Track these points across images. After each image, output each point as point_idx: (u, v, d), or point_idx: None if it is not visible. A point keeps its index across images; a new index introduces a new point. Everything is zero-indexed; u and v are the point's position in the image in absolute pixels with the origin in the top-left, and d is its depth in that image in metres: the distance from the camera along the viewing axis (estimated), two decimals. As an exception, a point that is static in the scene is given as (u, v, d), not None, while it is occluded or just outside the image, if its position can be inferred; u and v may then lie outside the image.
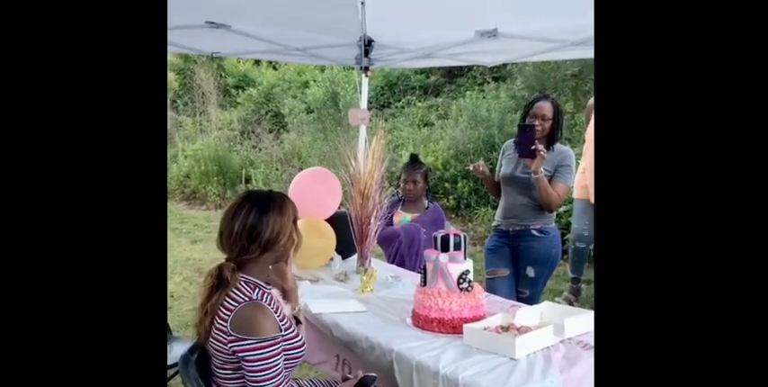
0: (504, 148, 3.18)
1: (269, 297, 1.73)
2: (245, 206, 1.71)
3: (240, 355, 1.61)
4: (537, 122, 2.88)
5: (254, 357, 1.59)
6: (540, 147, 2.75)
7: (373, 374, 1.87)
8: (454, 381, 1.72)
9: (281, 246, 1.74)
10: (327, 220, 2.90)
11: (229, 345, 1.62)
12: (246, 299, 1.65)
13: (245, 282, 1.71)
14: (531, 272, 2.99)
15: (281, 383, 1.64)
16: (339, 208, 3.02)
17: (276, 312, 1.70)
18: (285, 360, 1.67)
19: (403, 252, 3.31)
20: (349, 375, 1.94)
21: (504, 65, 7.74)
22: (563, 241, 3.22)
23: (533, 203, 2.95)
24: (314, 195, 2.88)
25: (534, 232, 2.99)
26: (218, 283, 1.69)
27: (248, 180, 8.25)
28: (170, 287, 4.78)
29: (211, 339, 1.68)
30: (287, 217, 1.75)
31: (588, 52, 2.84)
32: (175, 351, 2.60)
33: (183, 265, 5.48)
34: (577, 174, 4.15)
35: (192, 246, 6.23)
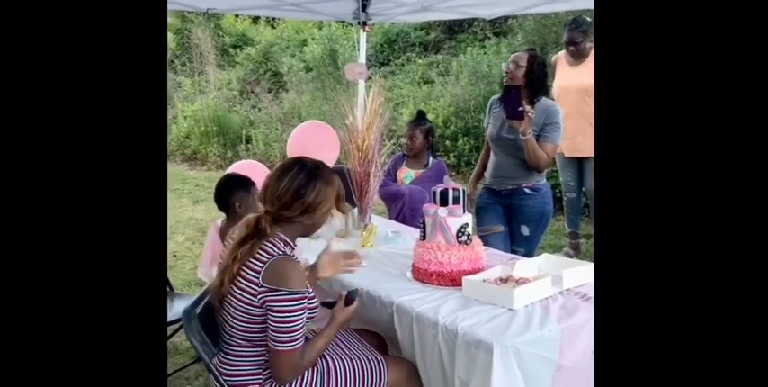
0: (491, 104, 3.10)
1: (296, 257, 1.79)
2: (296, 168, 1.77)
3: (269, 305, 1.65)
4: (511, 67, 2.83)
5: (283, 308, 1.64)
6: (528, 107, 2.68)
7: (356, 289, 1.93)
8: (453, 331, 1.75)
9: (320, 214, 1.79)
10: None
11: (259, 296, 1.66)
12: (280, 253, 1.71)
13: (281, 240, 1.76)
14: (525, 230, 2.96)
15: (300, 338, 1.68)
16: (338, 164, 3.02)
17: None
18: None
19: (406, 213, 3.32)
20: (329, 299, 1.99)
21: (505, 19, 7.61)
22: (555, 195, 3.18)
23: (522, 162, 2.88)
24: (311, 148, 2.87)
25: (527, 190, 2.94)
26: (254, 233, 1.75)
27: (248, 140, 8.22)
28: (172, 247, 4.82)
29: (236, 289, 1.71)
30: (332, 188, 1.80)
31: (588, 3, 2.78)
32: (177, 308, 2.65)
33: (186, 225, 5.51)
34: None
35: (193, 206, 6.26)
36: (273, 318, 1.65)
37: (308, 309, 1.71)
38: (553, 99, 2.89)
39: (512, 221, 3.00)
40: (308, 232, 1.87)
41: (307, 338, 1.77)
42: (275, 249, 1.72)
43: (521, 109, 2.67)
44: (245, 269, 1.71)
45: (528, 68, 2.82)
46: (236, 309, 1.73)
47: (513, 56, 2.91)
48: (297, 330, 1.66)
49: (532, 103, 2.80)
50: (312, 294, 1.76)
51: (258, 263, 1.70)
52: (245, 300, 1.70)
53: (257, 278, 1.68)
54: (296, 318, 1.65)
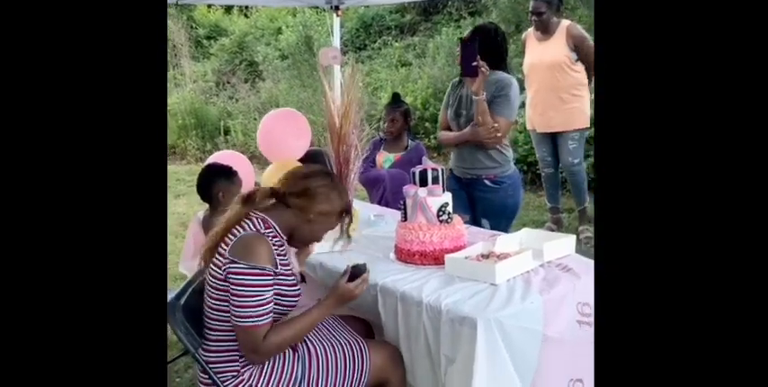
0: (452, 85, 2.98)
1: (279, 241, 1.78)
2: (321, 175, 1.84)
3: (229, 276, 1.65)
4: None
5: (242, 282, 1.64)
6: (483, 63, 2.55)
7: (364, 263, 1.85)
8: (437, 308, 1.77)
9: (315, 216, 1.79)
10: (301, 161, 2.90)
11: (223, 268, 1.67)
12: (254, 230, 1.72)
13: (262, 220, 1.76)
14: (486, 224, 2.79)
15: (262, 315, 1.65)
16: (313, 146, 3.01)
17: (281, 256, 1.75)
18: (276, 304, 1.71)
19: (388, 197, 3.32)
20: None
21: (479, -2, 7.60)
22: (533, 171, 3.02)
23: (482, 150, 2.74)
24: (280, 136, 2.86)
25: (487, 182, 2.79)
26: (244, 203, 1.77)
27: (227, 132, 8.16)
28: (157, 241, 4.78)
29: (211, 265, 1.73)
30: (339, 197, 1.83)
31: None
32: (163, 300, 2.64)
33: (168, 219, 5.47)
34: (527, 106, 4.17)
35: (175, 200, 6.21)
36: (232, 291, 1.65)
37: (278, 295, 1.71)
38: (510, 74, 2.78)
39: (474, 212, 2.86)
40: (297, 233, 1.84)
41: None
42: (251, 227, 1.73)
43: (474, 64, 2.54)
44: (222, 245, 1.72)
45: (487, 38, 2.70)
46: (211, 287, 1.73)
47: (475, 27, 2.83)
48: (254, 307, 1.64)
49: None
50: (288, 280, 1.76)
51: (232, 236, 1.71)
52: (216, 275, 1.70)
53: (225, 250, 1.69)
54: (254, 293, 1.64)
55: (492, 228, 2.71)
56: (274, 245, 1.74)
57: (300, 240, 1.89)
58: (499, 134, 2.68)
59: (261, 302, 1.65)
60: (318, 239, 1.92)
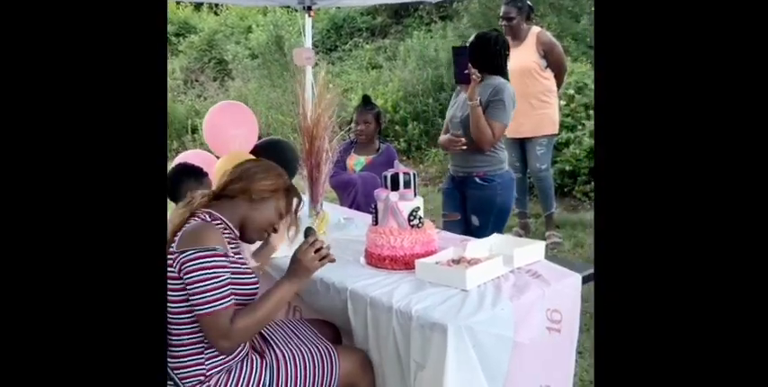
0: (455, 91, 3.12)
1: (230, 233, 1.75)
2: (254, 161, 1.86)
3: (183, 268, 1.60)
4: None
5: (195, 267, 1.59)
6: (474, 70, 2.67)
7: (309, 226, 1.85)
8: (407, 314, 1.76)
9: (260, 199, 1.78)
10: (253, 152, 2.86)
11: (175, 264, 1.61)
12: (198, 221, 1.69)
13: (208, 214, 1.74)
14: (475, 220, 2.91)
15: (223, 298, 1.60)
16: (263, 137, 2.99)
17: (233, 245, 1.73)
18: (234, 294, 1.66)
19: (360, 201, 3.30)
20: None
21: (451, 3, 7.64)
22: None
23: (473, 149, 2.84)
24: (226, 130, 2.84)
25: (477, 179, 2.89)
26: (186, 204, 1.75)
27: (195, 130, 8.05)
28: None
29: (168, 270, 1.65)
30: (278, 175, 1.82)
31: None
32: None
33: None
34: None
35: (141, 199, 6.11)
36: (189, 280, 1.59)
37: (236, 275, 1.67)
38: (507, 80, 2.89)
39: (465, 210, 2.98)
40: (248, 222, 1.81)
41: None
42: (197, 221, 1.71)
43: (466, 72, 2.67)
44: (171, 246, 1.66)
45: (470, 45, 2.84)
46: (170, 288, 1.66)
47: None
48: (213, 290, 1.59)
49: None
50: (242, 268, 1.72)
51: (177, 234, 1.67)
52: (172, 275, 1.64)
53: (173, 247, 1.64)
54: (212, 275, 1.59)
55: (481, 224, 2.85)
56: (225, 235, 1.71)
57: (254, 229, 1.83)
58: (464, 147, 2.82)
59: (219, 284, 1.60)
60: (272, 224, 1.84)
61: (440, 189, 5.74)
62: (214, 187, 1.83)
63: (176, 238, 1.66)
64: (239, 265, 1.72)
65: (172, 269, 1.64)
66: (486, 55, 2.83)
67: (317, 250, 1.72)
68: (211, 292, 1.59)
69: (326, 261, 1.74)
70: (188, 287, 1.60)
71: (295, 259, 1.73)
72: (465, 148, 2.83)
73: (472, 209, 2.93)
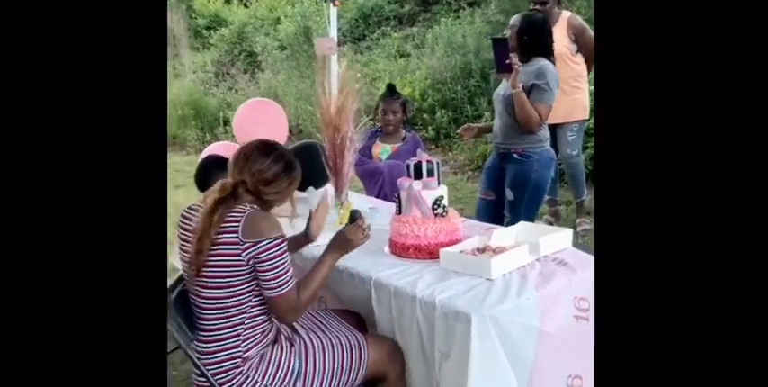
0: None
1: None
2: (277, 152, 1.86)
3: (257, 258, 1.68)
4: (510, 30, 2.88)
5: (271, 256, 1.69)
6: (515, 59, 2.71)
7: (357, 210, 1.98)
8: (431, 303, 1.74)
9: (284, 198, 1.90)
10: (293, 153, 2.87)
11: (244, 253, 1.68)
12: (250, 208, 1.74)
13: (249, 206, 1.78)
14: (509, 194, 2.98)
15: (291, 279, 1.73)
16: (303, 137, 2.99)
17: None
18: None
19: (386, 190, 3.29)
20: None
21: (479, -12, 7.54)
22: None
23: (512, 125, 2.90)
24: (255, 128, 2.84)
25: (515, 156, 2.95)
26: (229, 197, 1.75)
27: (226, 122, 8.12)
28: (154, 233, 4.78)
29: (211, 260, 1.70)
30: (297, 180, 1.90)
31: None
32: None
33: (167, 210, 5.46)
34: None
35: (174, 191, 6.18)
36: (263, 268, 1.69)
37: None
38: (553, 62, 2.94)
39: (503, 185, 3.06)
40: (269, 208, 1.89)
41: None
42: (247, 208, 1.75)
43: (507, 61, 2.71)
44: (220, 241, 1.70)
45: (519, 29, 2.86)
46: (213, 283, 1.71)
47: (512, 20, 2.96)
48: (286, 273, 1.72)
49: (524, 62, 2.82)
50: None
51: (233, 224, 1.70)
52: (226, 263, 1.70)
53: (237, 238, 1.69)
54: (283, 261, 1.71)
55: (515, 198, 2.94)
56: None
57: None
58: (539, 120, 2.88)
59: (288, 268, 1.73)
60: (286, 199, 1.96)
61: (469, 177, 5.71)
62: (241, 171, 1.83)
63: (239, 227, 1.69)
64: None
65: (236, 259, 1.69)
66: (537, 36, 2.86)
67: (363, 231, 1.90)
68: (284, 276, 1.71)
69: (366, 239, 1.92)
70: (259, 273, 1.71)
71: (342, 237, 1.88)
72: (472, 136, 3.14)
73: (508, 183, 3.00)
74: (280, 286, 1.71)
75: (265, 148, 1.85)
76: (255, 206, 1.78)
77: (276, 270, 1.70)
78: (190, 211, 1.84)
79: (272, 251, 1.69)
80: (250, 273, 1.72)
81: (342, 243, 1.88)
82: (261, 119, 2.98)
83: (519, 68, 2.73)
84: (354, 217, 1.92)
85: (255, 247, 1.68)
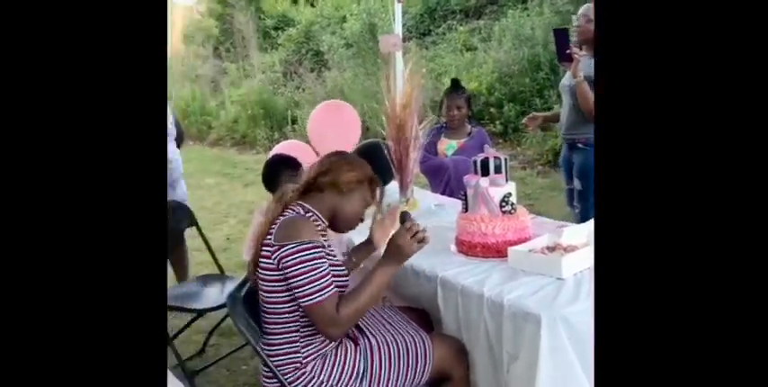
0: None
1: (320, 225, 1.78)
2: (336, 153, 1.89)
3: (284, 261, 1.63)
4: (582, 22, 2.88)
5: (295, 261, 1.62)
6: (575, 49, 2.75)
7: (405, 211, 1.82)
8: (499, 303, 1.70)
9: (348, 194, 1.81)
10: (357, 152, 2.87)
11: (273, 256, 1.66)
12: (293, 214, 1.73)
13: (300, 206, 1.77)
14: (577, 184, 3.02)
15: (326, 287, 1.62)
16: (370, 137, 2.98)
17: (324, 238, 1.75)
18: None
19: (453, 185, 3.25)
20: None
21: (547, -22, 7.34)
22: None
23: (576, 115, 2.94)
24: (331, 131, 2.85)
25: (579, 145, 2.98)
26: (278, 204, 1.77)
27: (294, 121, 8.26)
28: (226, 230, 4.92)
29: (261, 259, 1.71)
30: (360, 169, 1.84)
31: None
32: (228, 290, 2.68)
33: (238, 209, 5.61)
34: None
35: (244, 189, 6.35)
36: (292, 273, 1.62)
37: (331, 265, 1.68)
38: None
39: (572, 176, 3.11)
40: (338, 214, 1.83)
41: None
42: (292, 214, 1.73)
43: (568, 51, 2.76)
44: (263, 243, 1.71)
45: (589, 18, 2.85)
46: (265, 279, 1.72)
47: (582, 9, 2.95)
48: (317, 280, 1.61)
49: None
50: (336, 260, 1.75)
51: (272, 227, 1.71)
52: (267, 266, 1.69)
53: (270, 240, 1.68)
54: (313, 267, 1.62)
55: (583, 188, 2.98)
56: (317, 228, 1.74)
57: (344, 219, 1.85)
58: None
59: (321, 274, 1.63)
60: (359, 214, 1.87)
61: (539, 172, 5.59)
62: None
63: (272, 231, 1.70)
64: (331, 257, 1.74)
65: (270, 261, 1.68)
66: None
67: (414, 235, 1.69)
68: (314, 284, 1.61)
69: (423, 244, 1.71)
70: (290, 280, 1.64)
71: (392, 243, 1.71)
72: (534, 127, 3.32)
73: (576, 173, 3.05)
74: (310, 294, 1.61)
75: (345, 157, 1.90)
76: (307, 208, 1.77)
77: (304, 276, 1.61)
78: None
79: (297, 255, 1.62)
80: (286, 279, 1.65)
81: (393, 252, 1.71)
82: (334, 120, 3.01)
83: (579, 58, 2.75)
84: (403, 218, 1.76)
85: (281, 250, 1.64)
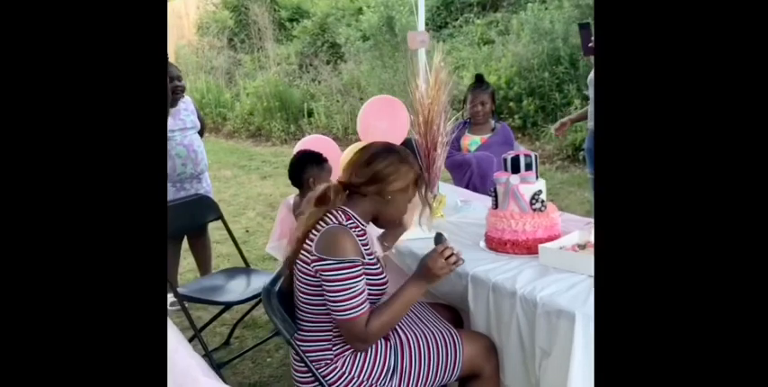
0: None
1: (361, 231, 1.78)
2: (381, 148, 1.82)
3: (321, 274, 1.67)
4: None
5: (334, 278, 1.65)
6: None
7: (439, 233, 1.81)
8: (532, 301, 1.71)
9: (393, 194, 1.79)
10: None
11: (312, 265, 1.68)
12: (336, 223, 1.72)
13: (342, 212, 1.77)
14: None
15: (360, 305, 1.66)
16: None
17: (365, 245, 1.76)
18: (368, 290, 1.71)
19: (476, 181, 3.25)
20: None
21: (567, -29, 7.28)
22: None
23: None
24: (380, 125, 2.86)
25: None
26: (320, 203, 1.76)
27: (310, 114, 8.27)
28: (244, 222, 4.94)
29: (298, 260, 1.74)
30: (407, 166, 1.80)
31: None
32: (254, 284, 2.72)
33: (256, 201, 5.63)
34: None
35: (261, 182, 6.37)
36: (327, 287, 1.66)
37: (368, 276, 1.71)
38: None
39: None
40: (381, 216, 1.84)
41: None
42: (334, 220, 1.73)
43: (590, 45, 2.92)
44: (307, 241, 1.73)
45: None
46: (301, 282, 1.75)
47: None
48: (352, 298, 1.65)
49: None
50: (374, 269, 1.76)
51: (315, 232, 1.72)
52: (304, 270, 1.72)
53: (311, 247, 1.70)
54: (349, 286, 1.65)
55: None
56: (357, 235, 1.74)
57: (388, 220, 1.88)
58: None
59: (356, 293, 1.66)
60: (403, 214, 1.89)
61: (558, 167, 5.58)
62: (341, 178, 1.83)
63: (314, 239, 1.70)
64: (370, 266, 1.76)
65: (309, 268, 1.70)
66: None
67: (448, 257, 1.70)
68: (349, 301, 1.65)
69: (456, 266, 1.72)
70: (326, 292, 1.67)
71: (424, 265, 1.72)
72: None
73: None
74: (345, 310, 1.65)
75: (367, 147, 1.85)
76: (349, 214, 1.77)
77: (341, 293, 1.65)
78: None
79: (337, 273, 1.65)
80: (320, 285, 1.69)
81: (424, 273, 1.71)
82: (385, 115, 3.02)
83: None
84: (438, 241, 1.75)
85: (321, 263, 1.67)
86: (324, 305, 1.71)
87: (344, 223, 1.73)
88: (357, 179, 1.78)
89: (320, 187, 1.81)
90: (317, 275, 1.68)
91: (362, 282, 1.68)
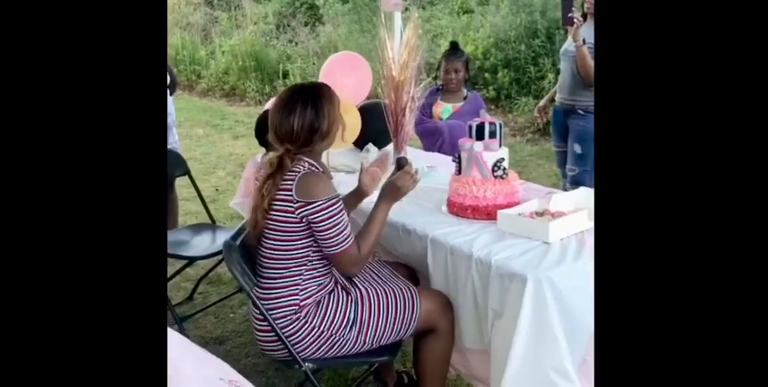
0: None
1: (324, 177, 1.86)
2: (299, 102, 1.81)
3: (310, 218, 1.75)
4: None
5: (324, 217, 1.75)
6: (577, 14, 2.86)
7: (404, 156, 2.05)
8: (487, 263, 1.77)
9: (335, 133, 1.89)
10: (359, 110, 2.89)
11: (297, 212, 1.75)
12: (305, 169, 1.79)
13: (301, 161, 1.82)
14: (577, 148, 3.13)
15: (349, 235, 1.80)
16: (371, 98, 2.99)
17: None
18: None
19: (446, 150, 3.27)
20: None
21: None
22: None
23: (576, 81, 3.04)
24: (342, 81, 2.85)
25: (580, 111, 3.10)
26: (278, 170, 1.80)
27: (285, 75, 8.17)
28: (214, 181, 4.93)
29: (271, 215, 1.78)
30: (336, 105, 1.88)
31: None
32: (219, 240, 2.74)
33: (227, 161, 5.60)
34: None
35: (234, 141, 6.33)
36: (319, 228, 1.76)
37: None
38: None
39: (568, 140, 3.22)
40: (328, 147, 1.94)
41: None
42: (300, 168, 1.79)
43: (570, 15, 2.88)
44: (276, 198, 1.77)
45: None
46: (274, 236, 1.80)
47: None
48: (342, 232, 1.78)
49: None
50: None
51: (287, 182, 1.76)
52: (283, 220, 1.77)
53: (291, 196, 1.75)
54: (338, 221, 1.77)
55: (583, 152, 3.12)
56: None
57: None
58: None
59: (345, 225, 1.79)
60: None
61: (528, 139, 5.64)
62: (281, 141, 1.84)
63: (289, 188, 1.75)
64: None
65: (291, 216, 1.76)
66: None
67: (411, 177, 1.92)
68: (341, 235, 1.78)
69: (415, 184, 1.95)
70: (316, 233, 1.78)
71: (391, 185, 1.92)
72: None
73: (574, 138, 3.17)
74: (339, 244, 1.78)
75: (286, 104, 1.83)
76: (310, 162, 1.82)
77: (333, 229, 1.76)
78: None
79: (326, 211, 1.75)
80: (306, 230, 1.79)
81: (392, 191, 1.92)
82: (349, 72, 3.01)
83: (579, 23, 2.87)
84: (401, 164, 1.96)
85: (309, 208, 1.75)
86: (301, 249, 1.80)
87: (318, 171, 1.82)
88: (310, 146, 1.83)
89: (272, 157, 1.82)
90: (304, 220, 1.76)
91: (345, 214, 1.82)
